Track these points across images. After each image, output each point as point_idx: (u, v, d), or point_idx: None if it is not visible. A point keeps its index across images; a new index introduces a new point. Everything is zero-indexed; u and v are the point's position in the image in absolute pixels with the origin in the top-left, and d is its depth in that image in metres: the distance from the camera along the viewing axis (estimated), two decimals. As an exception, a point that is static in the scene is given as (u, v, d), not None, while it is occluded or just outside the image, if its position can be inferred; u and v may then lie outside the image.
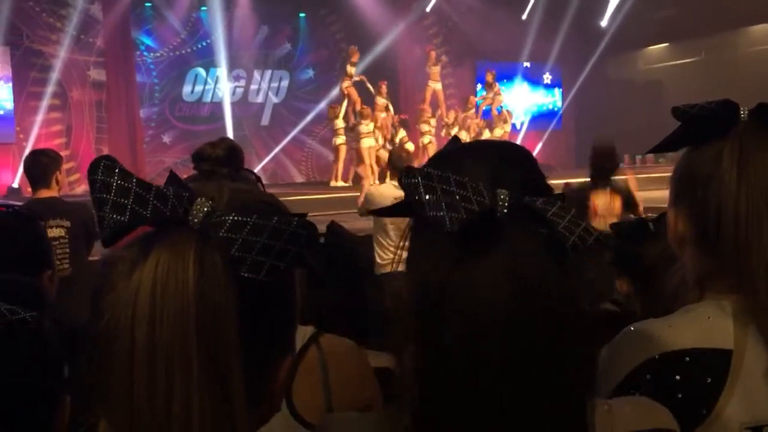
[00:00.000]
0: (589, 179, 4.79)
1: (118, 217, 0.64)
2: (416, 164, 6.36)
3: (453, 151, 0.82)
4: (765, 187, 0.97)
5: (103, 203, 0.64)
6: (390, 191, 5.23)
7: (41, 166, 4.26)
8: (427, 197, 0.70)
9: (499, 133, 15.40)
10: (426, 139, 14.06)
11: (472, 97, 15.82)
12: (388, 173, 5.69)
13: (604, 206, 4.57)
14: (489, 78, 15.65)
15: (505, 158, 0.80)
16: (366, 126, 13.13)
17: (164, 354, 0.63)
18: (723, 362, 0.96)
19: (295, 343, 0.79)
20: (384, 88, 13.87)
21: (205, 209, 0.67)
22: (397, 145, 12.02)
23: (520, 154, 0.83)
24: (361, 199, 5.61)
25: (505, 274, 0.70)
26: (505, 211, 0.71)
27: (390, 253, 5.22)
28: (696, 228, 1.05)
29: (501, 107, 15.69)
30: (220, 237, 0.65)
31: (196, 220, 0.66)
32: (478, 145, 0.84)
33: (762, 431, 0.95)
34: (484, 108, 15.76)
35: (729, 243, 0.99)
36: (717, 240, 1.00)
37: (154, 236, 0.67)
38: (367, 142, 13.15)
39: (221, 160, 1.41)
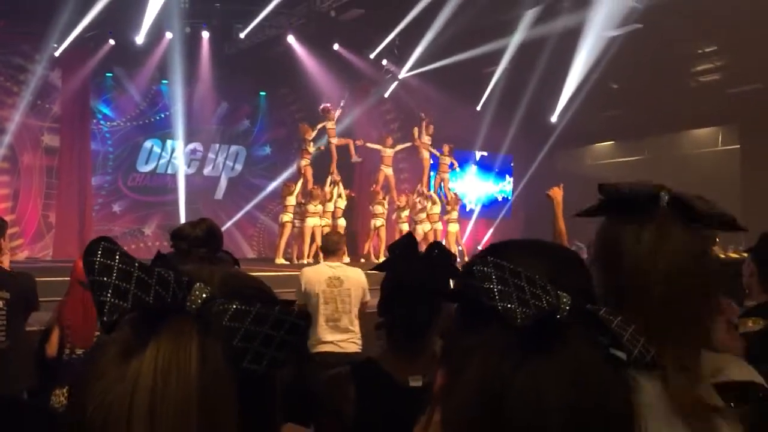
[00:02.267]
0: None
1: (121, 303, 0.62)
2: (367, 246, 6.57)
3: (509, 246, 0.82)
4: (676, 267, 1.12)
5: (103, 287, 0.62)
6: (324, 270, 5.44)
7: None
8: (499, 288, 0.69)
9: (455, 215, 15.59)
10: (378, 222, 14.20)
11: (424, 177, 16.10)
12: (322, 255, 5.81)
13: None
14: (446, 149, 16.02)
15: (562, 262, 0.81)
16: (314, 206, 13.31)
17: None
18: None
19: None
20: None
21: (204, 295, 0.65)
22: (330, 230, 12.13)
23: (575, 260, 0.84)
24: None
25: (569, 379, 0.69)
26: (566, 314, 0.71)
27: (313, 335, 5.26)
28: (609, 295, 1.16)
29: (442, 188, 16.03)
30: (223, 326, 0.63)
31: (194, 306, 0.65)
32: (534, 244, 0.85)
33: None
34: (438, 188, 16.05)
35: (638, 310, 1.10)
36: (624, 303, 1.12)
37: (150, 322, 0.64)
38: (311, 221, 13.31)
39: (199, 241, 1.41)
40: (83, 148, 14.86)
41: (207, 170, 16.91)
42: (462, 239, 15.90)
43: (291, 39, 15.29)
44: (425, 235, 14.32)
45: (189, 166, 16.48)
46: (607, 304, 1.12)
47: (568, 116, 17.40)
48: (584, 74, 15.47)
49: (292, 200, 13.64)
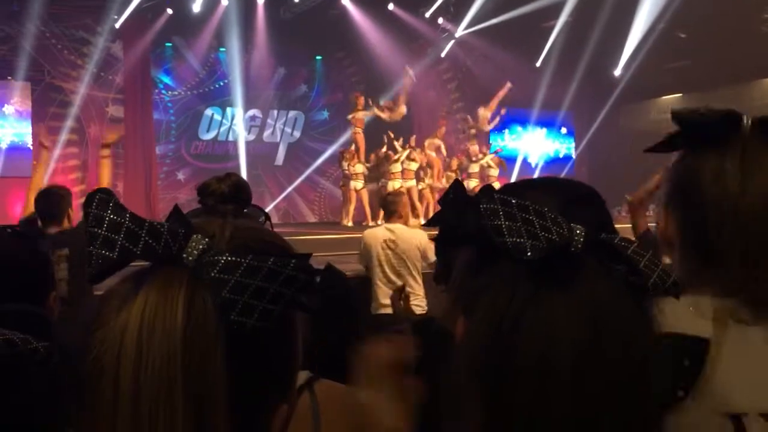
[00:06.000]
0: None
1: (107, 253, 0.62)
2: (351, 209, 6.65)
3: (520, 185, 0.82)
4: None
5: (94, 238, 0.63)
6: (381, 233, 5.49)
7: (54, 204, 4.16)
8: (507, 223, 0.67)
9: (495, 173, 15.37)
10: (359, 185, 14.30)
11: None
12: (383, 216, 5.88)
13: None
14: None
15: (575, 195, 0.79)
16: (352, 167, 13.66)
17: (148, 399, 0.61)
18: (701, 349, 0.97)
19: (294, 390, 0.75)
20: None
21: (201, 247, 0.64)
22: (390, 191, 12.21)
23: (589, 193, 0.81)
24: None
25: (584, 311, 0.68)
26: (580, 246, 0.69)
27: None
28: (687, 233, 1.06)
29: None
30: (212, 277, 0.62)
31: (190, 258, 0.64)
32: (546, 180, 0.83)
33: (740, 419, 0.94)
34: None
35: (732, 255, 0.99)
36: (713, 249, 1.01)
37: (147, 272, 0.65)
38: (353, 184, 13.64)
39: (225, 196, 1.40)
40: (146, 118, 15.18)
41: (266, 136, 17.07)
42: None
43: (345, 1, 15.16)
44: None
45: (249, 132, 16.67)
46: (685, 246, 1.06)
47: (632, 69, 16.86)
48: (650, 24, 14.90)
49: (345, 166, 13.88)
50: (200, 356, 0.62)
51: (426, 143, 14.89)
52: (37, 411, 1.05)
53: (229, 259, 0.63)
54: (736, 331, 0.98)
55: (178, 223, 0.66)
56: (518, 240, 0.66)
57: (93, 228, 0.63)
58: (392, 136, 14.53)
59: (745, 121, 1.03)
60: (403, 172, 13.94)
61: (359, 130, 14.16)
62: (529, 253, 0.66)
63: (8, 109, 13.84)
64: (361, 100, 14.33)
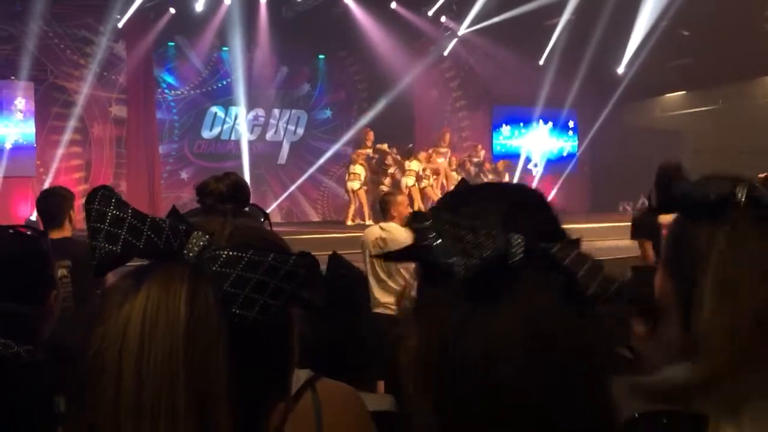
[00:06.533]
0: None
1: (111, 247, 0.63)
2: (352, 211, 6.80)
3: (462, 193, 0.80)
4: (754, 273, 0.97)
5: (96, 233, 0.63)
6: (374, 231, 5.68)
7: (55, 206, 4.13)
8: (438, 242, 0.67)
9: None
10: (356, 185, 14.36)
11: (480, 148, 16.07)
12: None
13: None
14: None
15: (517, 202, 0.77)
16: (352, 167, 13.91)
17: (151, 394, 0.61)
18: (700, 428, 0.93)
19: (291, 387, 0.76)
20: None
21: (201, 243, 0.65)
22: (386, 190, 12.28)
23: (533, 197, 0.80)
24: None
25: (521, 325, 0.67)
26: (519, 257, 0.67)
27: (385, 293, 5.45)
28: (679, 301, 1.05)
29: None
30: (214, 272, 0.63)
31: (191, 254, 0.64)
32: (489, 187, 0.82)
33: None
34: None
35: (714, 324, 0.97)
36: (697, 312, 0.99)
37: (148, 268, 0.65)
38: (349, 185, 13.96)
39: (224, 196, 1.39)
40: (149, 117, 15.18)
41: (269, 135, 17.06)
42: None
43: (348, -1, 15.17)
44: None
45: (251, 131, 16.66)
46: (677, 312, 1.03)
47: (635, 67, 16.81)
48: (652, 22, 14.86)
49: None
50: (203, 351, 0.62)
51: (433, 153, 14.92)
52: (25, 412, 1.05)
53: (231, 253, 0.63)
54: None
55: (178, 220, 0.67)
56: (450, 260, 0.66)
57: (96, 223, 0.64)
58: (386, 148, 14.62)
59: (738, 196, 1.01)
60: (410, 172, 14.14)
61: (363, 162, 14.31)
62: (462, 272, 0.65)
63: (12, 109, 13.86)
64: (371, 136, 14.46)
